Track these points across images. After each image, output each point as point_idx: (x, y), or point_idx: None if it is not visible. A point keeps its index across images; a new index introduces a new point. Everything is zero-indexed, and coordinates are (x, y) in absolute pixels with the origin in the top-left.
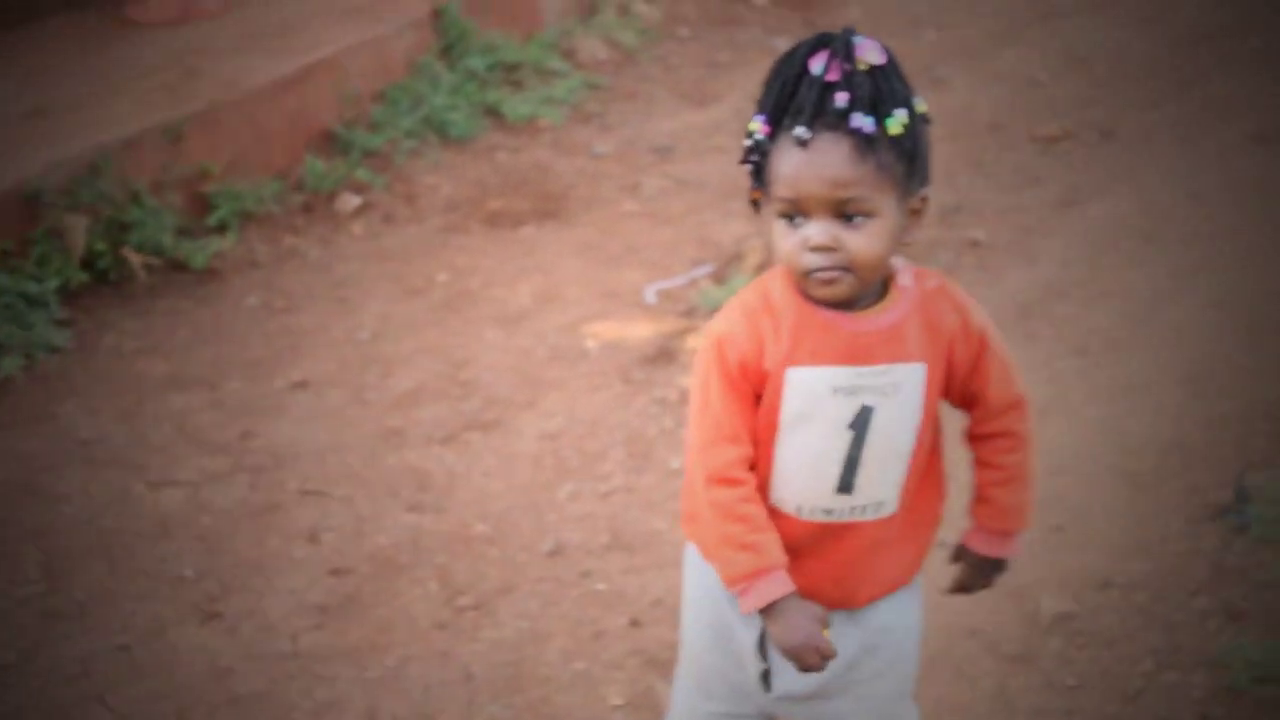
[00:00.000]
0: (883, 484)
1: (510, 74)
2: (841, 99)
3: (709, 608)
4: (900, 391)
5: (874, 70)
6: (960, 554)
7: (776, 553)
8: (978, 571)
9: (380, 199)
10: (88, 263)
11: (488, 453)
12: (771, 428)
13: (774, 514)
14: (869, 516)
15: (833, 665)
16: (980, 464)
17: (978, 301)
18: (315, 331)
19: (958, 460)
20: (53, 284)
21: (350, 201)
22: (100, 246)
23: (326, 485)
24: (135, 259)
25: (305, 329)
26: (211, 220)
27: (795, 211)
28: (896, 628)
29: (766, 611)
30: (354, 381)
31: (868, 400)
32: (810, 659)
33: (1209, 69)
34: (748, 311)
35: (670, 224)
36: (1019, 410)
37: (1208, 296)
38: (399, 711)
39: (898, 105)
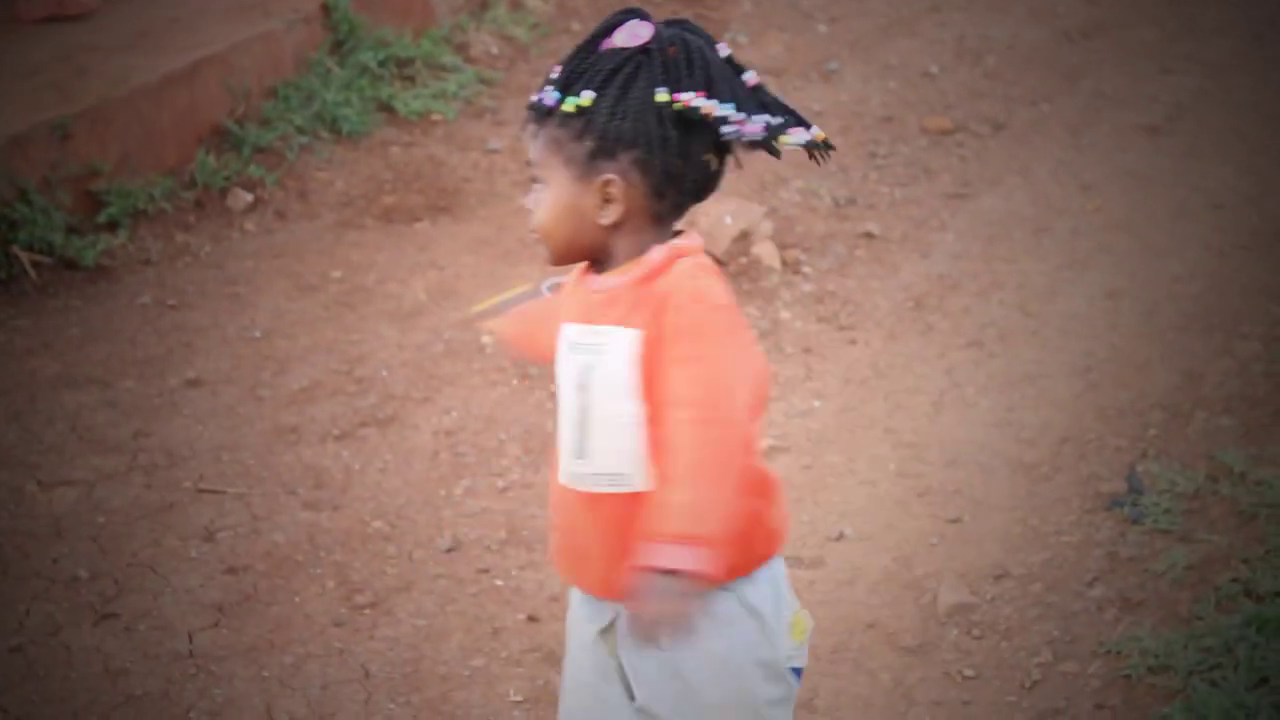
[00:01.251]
0: (613, 453)
1: (403, 69)
2: (553, 72)
3: (568, 620)
4: (606, 354)
5: (615, 51)
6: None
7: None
8: (632, 608)
9: (273, 195)
10: None
11: (384, 449)
12: None
13: (555, 487)
14: (608, 488)
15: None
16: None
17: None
18: (208, 329)
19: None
20: None
21: (242, 198)
22: None
23: (222, 483)
24: (24, 257)
25: (198, 326)
26: (102, 218)
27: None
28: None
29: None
30: (248, 379)
31: (587, 359)
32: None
33: (1099, 61)
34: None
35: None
36: (686, 409)
37: (1100, 287)
38: (296, 710)
39: (590, 86)
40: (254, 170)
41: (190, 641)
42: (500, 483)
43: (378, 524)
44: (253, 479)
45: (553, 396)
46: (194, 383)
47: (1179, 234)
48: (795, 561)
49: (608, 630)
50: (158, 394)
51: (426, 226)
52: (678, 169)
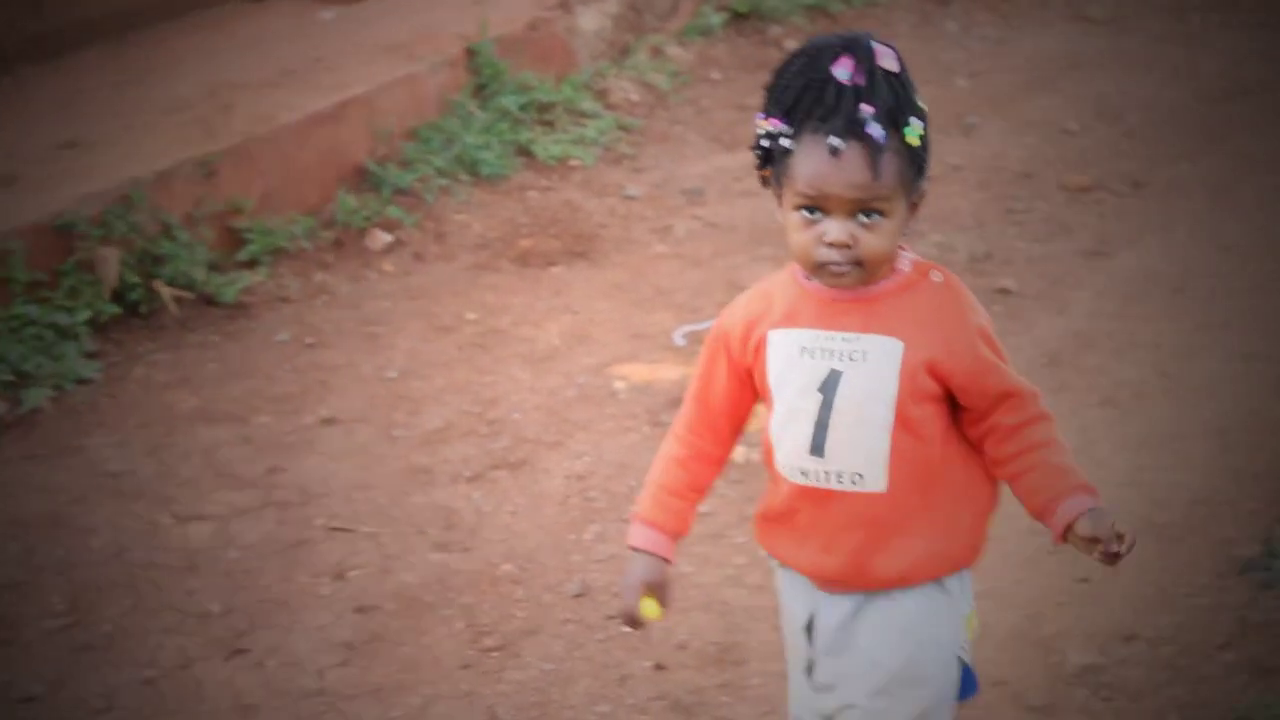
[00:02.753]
0: (855, 453)
1: (543, 114)
2: (867, 110)
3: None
4: (868, 361)
5: (889, 78)
6: (1065, 533)
7: (668, 514)
8: (1082, 545)
9: (411, 236)
10: (119, 295)
11: (515, 492)
12: (765, 390)
13: (778, 479)
14: (847, 486)
15: (829, 647)
16: (995, 465)
17: (1006, 348)
18: (344, 368)
19: None
20: (83, 316)
21: (381, 238)
22: (132, 279)
23: (354, 522)
24: (166, 292)
25: (334, 365)
26: (243, 255)
27: (814, 206)
28: (893, 628)
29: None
30: (382, 419)
31: (835, 365)
32: (621, 605)
33: (1238, 122)
34: (749, 295)
35: (700, 266)
36: (1010, 401)
37: (1237, 349)
38: None
39: (914, 114)
40: (393, 211)
41: (320, 679)
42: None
43: (507, 567)
44: (384, 518)
45: None
46: (329, 421)
47: None
48: None
49: (809, 626)
50: (293, 431)
51: (562, 271)
52: None
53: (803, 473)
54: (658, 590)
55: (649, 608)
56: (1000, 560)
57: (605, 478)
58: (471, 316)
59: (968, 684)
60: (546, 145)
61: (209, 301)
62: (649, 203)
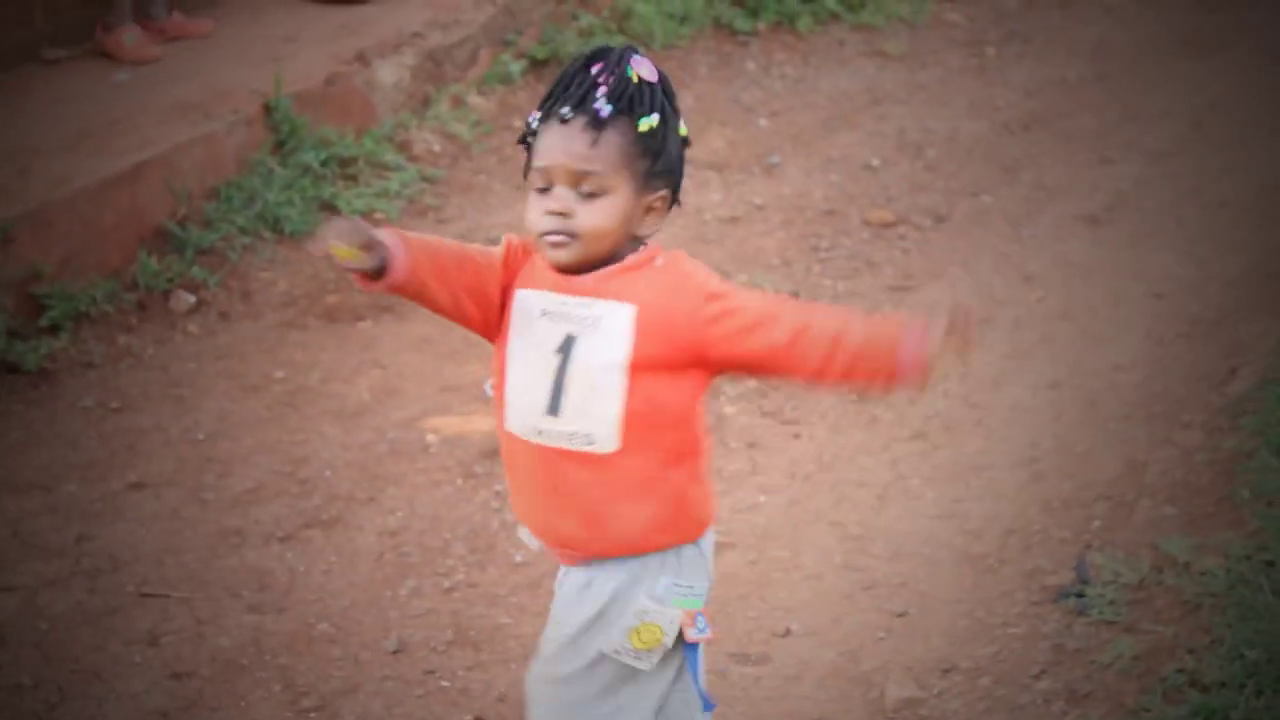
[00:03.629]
0: (589, 415)
1: (345, 168)
2: (601, 91)
3: None
4: (600, 326)
5: (642, 82)
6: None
7: (420, 251)
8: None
9: (215, 296)
10: None
11: (329, 550)
12: (503, 348)
13: (509, 437)
14: (580, 446)
15: (564, 626)
16: (825, 362)
17: None
18: (151, 431)
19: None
20: None
21: (185, 299)
22: None
23: (165, 587)
24: None
25: (141, 429)
26: (43, 321)
27: (545, 183)
28: (630, 598)
29: None
30: (191, 481)
31: (571, 329)
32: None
33: (1039, 152)
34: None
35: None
36: (798, 337)
37: (1043, 377)
38: None
39: (653, 111)
40: (197, 271)
41: None
42: (445, 583)
43: (323, 626)
44: (196, 582)
45: (498, 496)
46: (137, 486)
47: (1120, 323)
48: (741, 658)
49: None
50: (100, 498)
51: (370, 326)
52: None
53: (539, 432)
54: (359, 245)
55: (340, 248)
56: (818, 598)
57: (419, 532)
58: (280, 375)
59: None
60: (350, 199)
61: (11, 369)
62: None
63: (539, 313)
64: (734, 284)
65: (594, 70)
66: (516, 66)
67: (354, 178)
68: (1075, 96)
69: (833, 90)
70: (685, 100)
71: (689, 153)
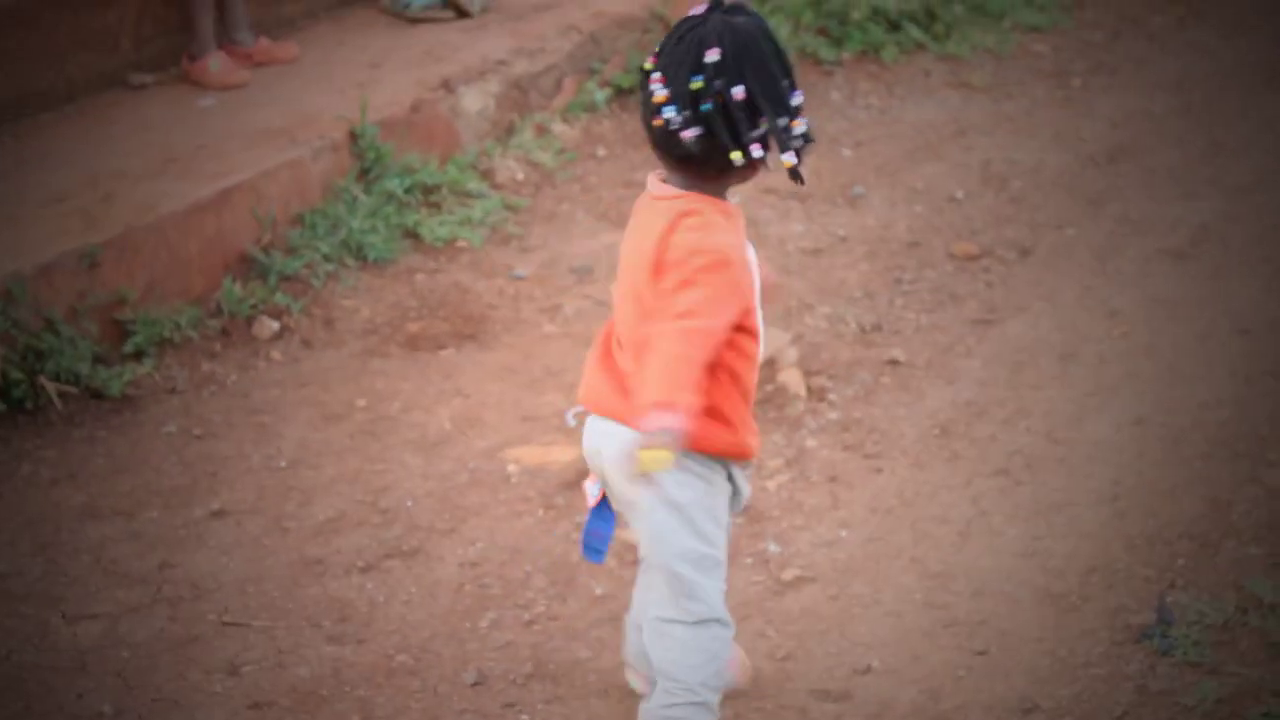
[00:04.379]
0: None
1: (428, 196)
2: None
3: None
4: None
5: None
6: None
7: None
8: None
9: (299, 323)
10: (2, 392)
11: (409, 581)
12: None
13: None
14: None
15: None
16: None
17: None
18: (234, 459)
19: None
20: None
21: (268, 326)
22: (15, 375)
23: (246, 616)
24: (51, 387)
25: (224, 456)
26: (128, 347)
27: None
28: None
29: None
30: (273, 510)
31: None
32: None
33: (1123, 185)
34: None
35: (590, 346)
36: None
37: (1127, 414)
38: None
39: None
40: (280, 298)
41: None
42: (525, 615)
43: (402, 658)
44: (277, 612)
45: (578, 528)
46: (219, 514)
47: (1205, 359)
48: (822, 695)
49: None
50: (183, 525)
51: (452, 354)
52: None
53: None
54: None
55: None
56: (898, 635)
57: (499, 564)
58: (361, 403)
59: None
60: (433, 227)
61: (95, 395)
62: (538, 282)
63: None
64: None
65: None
66: (601, 95)
67: (437, 205)
68: (1160, 129)
69: (917, 121)
70: None
71: (773, 181)
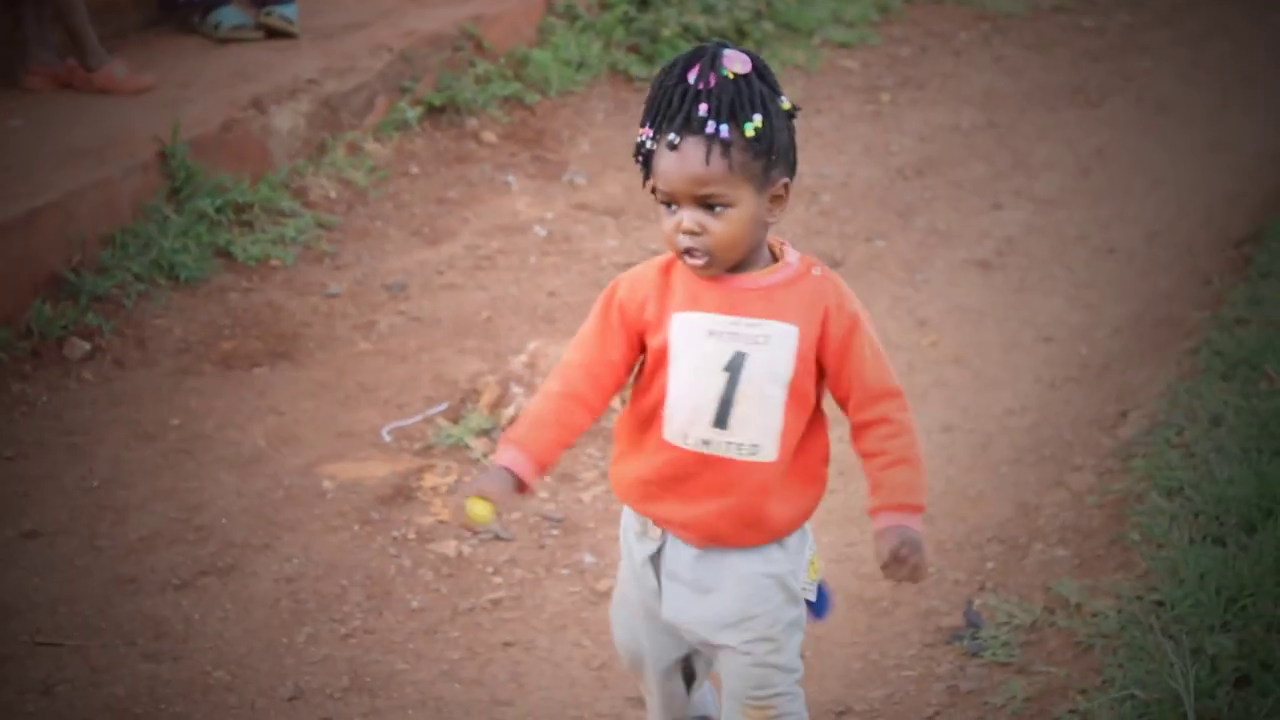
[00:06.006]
0: (755, 427)
1: (240, 214)
2: (703, 108)
3: (623, 544)
4: (770, 345)
5: (738, 78)
6: (877, 538)
7: (536, 440)
8: (890, 548)
9: (110, 343)
10: None
11: (225, 598)
12: (662, 364)
13: (666, 447)
14: (745, 456)
15: (709, 605)
16: (866, 455)
17: None
18: (45, 479)
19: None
20: None
21: (79, 347)
22: None
23: (59, 635)
24: None
25: (35, 477)
26: None
27: (670, 200)
28: (768, 575)
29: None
30: (85, 529)
31: (741, 347)
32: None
33: (931, 198)
34: (646, 270)
35: (405, 362)
36: (896, 399)
37: (936, 421)
38: None
39: (755, 110)
40: (91, 319)
41: None
42: (342, 629)
43: (219, 674)
44: (91, 631)
45: (395, 542)
46: (30, 534)
47: (1011, 367)
48: (637, 702)
49: (656, 556)
50: None
51: (265, 372)
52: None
53: (705, 442)
54: (497, 502)
55: (478, 508)
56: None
57: (315, 579)
58: (175, 422)
59: (822, 604)
60: (245, 246)
61: None
62: (351, 300)
63: (706, 333)
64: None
65: (691, 79)
66: (413, 114)
67: (250, 224)
68: (967, 143)
69: None
70: (580, 147)
71: (587, 198)
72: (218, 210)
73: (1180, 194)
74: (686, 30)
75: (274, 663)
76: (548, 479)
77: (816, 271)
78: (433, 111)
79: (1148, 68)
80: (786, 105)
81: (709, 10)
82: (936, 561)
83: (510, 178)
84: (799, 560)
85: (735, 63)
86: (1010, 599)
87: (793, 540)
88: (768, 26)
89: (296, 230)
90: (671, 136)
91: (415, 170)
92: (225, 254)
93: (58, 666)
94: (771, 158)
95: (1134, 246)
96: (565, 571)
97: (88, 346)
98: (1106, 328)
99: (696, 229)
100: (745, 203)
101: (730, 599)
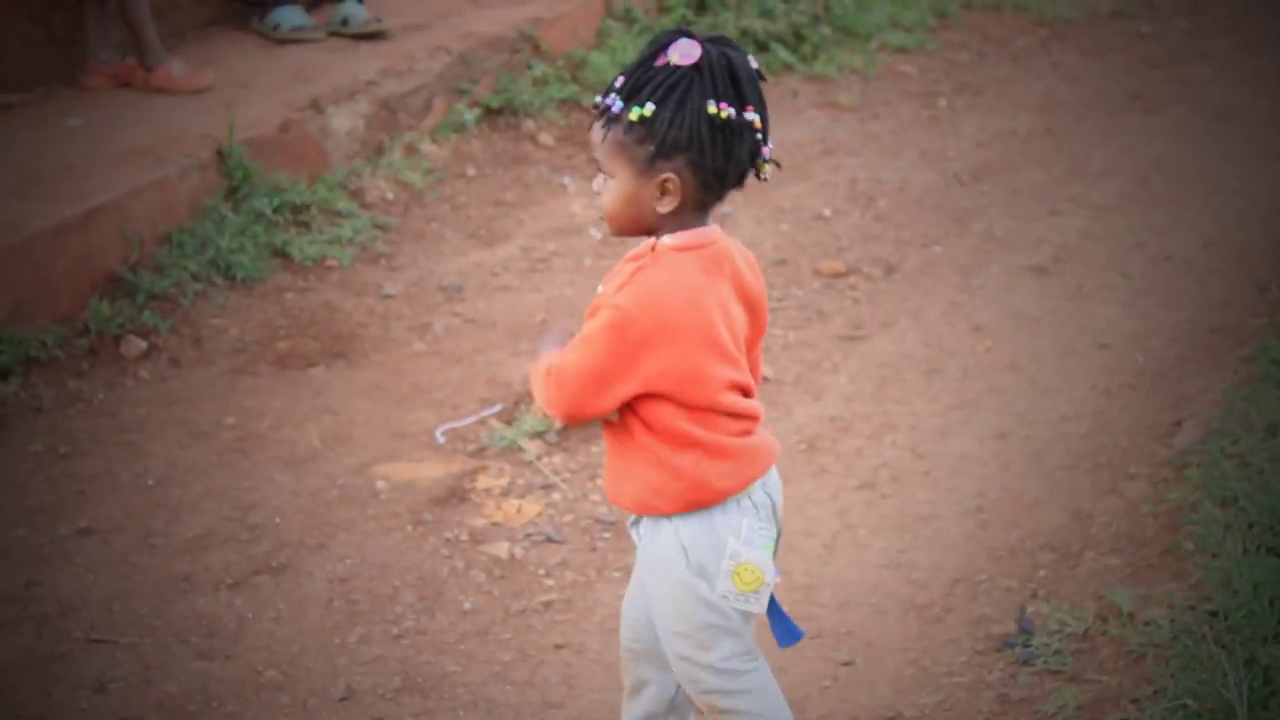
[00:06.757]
0: None
1: (297, 215)
2: (618, 82)
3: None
4: None
5: (673, 68)
6: None
7: None
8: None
9: (167, 342)
10: None
11: (277, 597)
12: None
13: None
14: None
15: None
16: None
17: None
18: (101, 477)
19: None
20: None
21: (136, 345)
22: None
23: (113, 633)
24: None
25: (91, 474)
26: None
27: None
28: (659, 551)
29: None
30: (141, 527)
31: None
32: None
33: (988, 204)
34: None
35: (459, 364)
36: (550, 375)
37: (991, 428)
38: None
39: (651, 100)
40: (148, 317)
41: None
42: (394, 629)
43: (271, 673)
44: (145, 628)
45: (448, 544)
46: (86, 531)
47: (1066, 374)
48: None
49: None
50: (49, 543)
51: (321, 372)
52: (722, 168)
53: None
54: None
55: None
56: (766, 648)
57: (368, 579)
58: (230, 421)
59: (783, 628)
60: (302, 246)
61: None
62: (407, 301)
63: None
64: (627, 305)
65: (646, 56)
66: (471, 115)
67: (306, 225)
68: (1024, 149)
69: (785, 140)
70: None
71: None
72: (275, 210)
73: (1238, 202)
74: (744, 34)
75: (326, 663)
76: (597, 480)
77: (645, 261)
78: (490, 113)
79: (1206, 75)
80: (714, 110)
81: (767, 14)
82: (988, 568)
83: (566, 180)
84: (706, 557)
85: (678, 53)
86: (1062, 607)
87: (686, 531)
88: (825, 30)
89: (353, 231)
90: (596, 99)
91: (472, 172)
92: (282, 254)
93: (111, 664)
94: (654, 148)
95: (1191, 254)
96: (617, 574)
97: (144, 345)
98: (1162, 335)
99: (597, 189)
100: (623, 179)
101: (642, 568)
